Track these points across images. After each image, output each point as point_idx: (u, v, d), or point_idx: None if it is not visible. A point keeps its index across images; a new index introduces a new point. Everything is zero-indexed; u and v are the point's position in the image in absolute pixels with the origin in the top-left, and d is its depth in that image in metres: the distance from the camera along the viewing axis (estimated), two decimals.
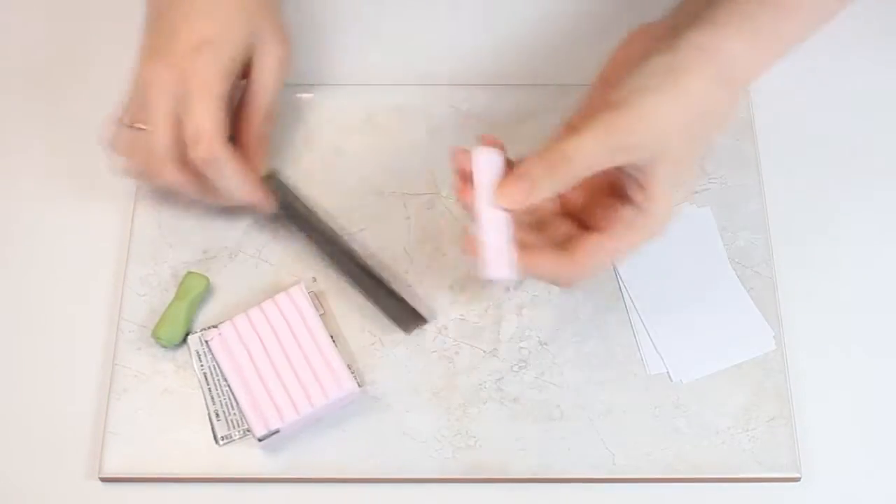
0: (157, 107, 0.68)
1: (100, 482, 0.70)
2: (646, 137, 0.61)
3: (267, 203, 0.73)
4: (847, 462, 0.71)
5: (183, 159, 0.69)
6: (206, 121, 0.68)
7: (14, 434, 0.72)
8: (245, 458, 0.70)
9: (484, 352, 0.73)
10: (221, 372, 0.71)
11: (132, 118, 0.70)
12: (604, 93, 0.64)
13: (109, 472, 0.70)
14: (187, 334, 0.72)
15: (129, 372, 0.72)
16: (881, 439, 0.72)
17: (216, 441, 0.70)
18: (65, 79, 0.82)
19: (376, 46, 0.83)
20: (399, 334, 0.73)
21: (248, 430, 0.69)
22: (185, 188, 0.71)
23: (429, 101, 0.80)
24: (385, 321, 0.73)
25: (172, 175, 0.70)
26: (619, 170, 0.62)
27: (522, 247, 0.63)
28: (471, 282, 0.74)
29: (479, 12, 0.85)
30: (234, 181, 0.70)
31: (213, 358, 0.71)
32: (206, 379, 0.71)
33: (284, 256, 0.75)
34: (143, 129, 0.69)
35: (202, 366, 0.72)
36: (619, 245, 0.64)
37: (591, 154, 0.61)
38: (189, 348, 0.72)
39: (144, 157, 0.70)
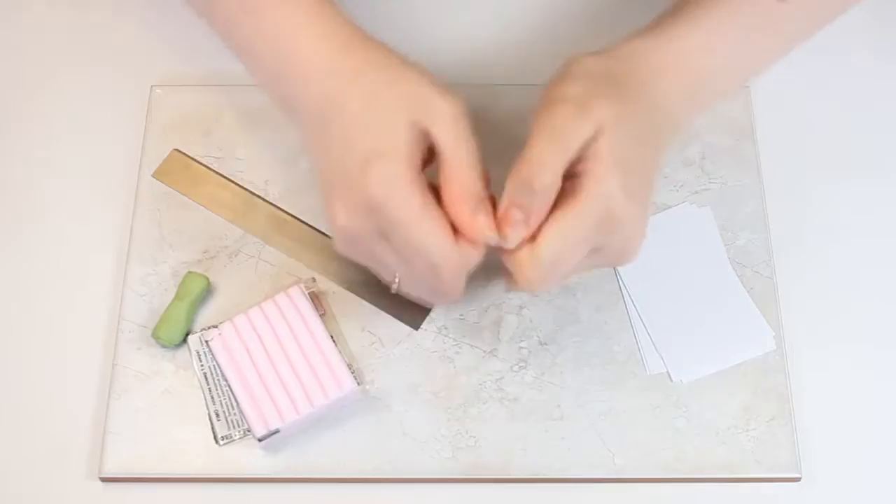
0: (362, 244, 0.64)
1: (100, 482, 0.70)
2: (572, 91, 0.62)
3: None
4: (847, 462, 0.71)
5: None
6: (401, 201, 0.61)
7: (14, 434, 0.72)
8: (245, 458, 0.70)
9: (484, 352, 0.73)
10: (221, 372, 0.71)
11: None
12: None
13: (109, 472, 0.70)
14: (187, 334, 0.72)
15: (129, 372, 0.72)
16: (881, 439, 0.72)
17: (216, 441, 0.70)
18: (65, 78, 0.82)
19: None
20: (399, 334, 0.73)
21: (248, 430, 0.69)
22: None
23: None
24: (386, 321, 0.73)
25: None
26: None
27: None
28: (471, 281, 0.74)
29: (479, 12, 0.85)
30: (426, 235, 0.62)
31: (213, 358, 0.71)
32: (206, 379, 0.71)
33: (284, 256, 0.75)
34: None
35: (202, 366, 0.72)
36: (575, 223, 0.61)
37: (549, 168, 0.61)
38: (189, 348, 0.72)
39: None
